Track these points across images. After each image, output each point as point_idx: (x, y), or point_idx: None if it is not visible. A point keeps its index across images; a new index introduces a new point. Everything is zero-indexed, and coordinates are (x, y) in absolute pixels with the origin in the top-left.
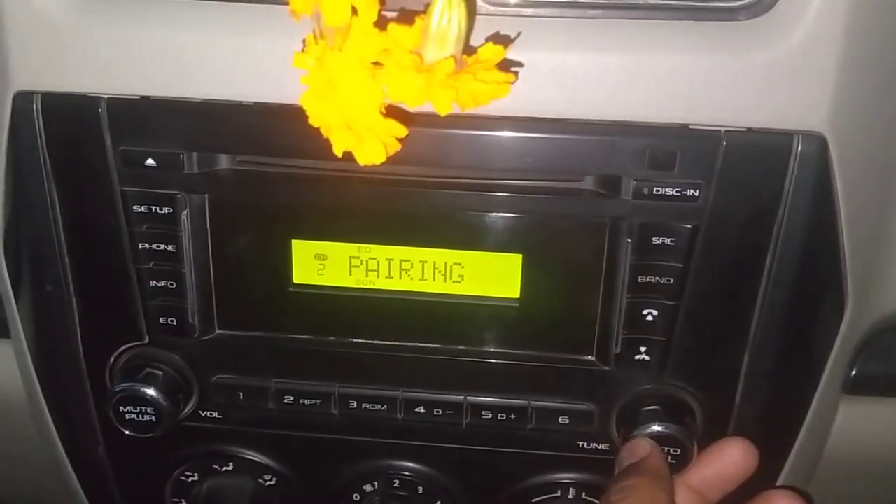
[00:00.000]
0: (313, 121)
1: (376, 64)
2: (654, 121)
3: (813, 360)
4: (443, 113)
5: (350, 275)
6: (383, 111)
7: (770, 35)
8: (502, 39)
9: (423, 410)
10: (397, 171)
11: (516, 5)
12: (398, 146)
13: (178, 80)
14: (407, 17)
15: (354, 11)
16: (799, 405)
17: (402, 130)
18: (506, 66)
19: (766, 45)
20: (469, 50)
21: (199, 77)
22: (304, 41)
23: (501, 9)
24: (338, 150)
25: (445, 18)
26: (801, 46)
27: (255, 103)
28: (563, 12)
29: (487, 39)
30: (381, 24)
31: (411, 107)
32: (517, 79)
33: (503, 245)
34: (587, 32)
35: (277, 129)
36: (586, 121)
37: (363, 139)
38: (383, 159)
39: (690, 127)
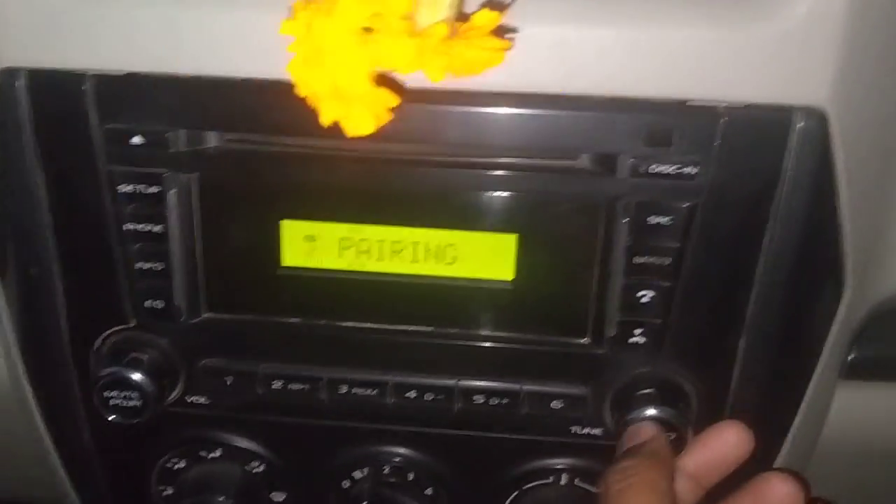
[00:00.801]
0: (301, 89)
1: (367, 30)
2: (652, 96)
3: (810, 343)
4: (435, 80)
5: (340, 257)
6: (374, 80)
7: (771, 7)
8: (497, 6)
9: (413, 395)
10: (389, 150)
11: None
12: (389, 117)
13: (166, 56)
14: None
15: None
16: (796, 389)
17: (394, 100)
18: (501, 33)
19: (767, 17)
20: (463, 17)
21: (186, 53)
22: (291, 7)
23: None
24: (325, 120)
25: None
26: (803, 20)
27: (244, 79)
28: None
29: (482, 6)
30: None
31: (403, 73)
32: (513, 46)
33: (497, 225)
34: (584, 5)
35: (267, 105)
36: (582, 96)
37: (352, 109)
38: (372, 130)
39: (688, 103)
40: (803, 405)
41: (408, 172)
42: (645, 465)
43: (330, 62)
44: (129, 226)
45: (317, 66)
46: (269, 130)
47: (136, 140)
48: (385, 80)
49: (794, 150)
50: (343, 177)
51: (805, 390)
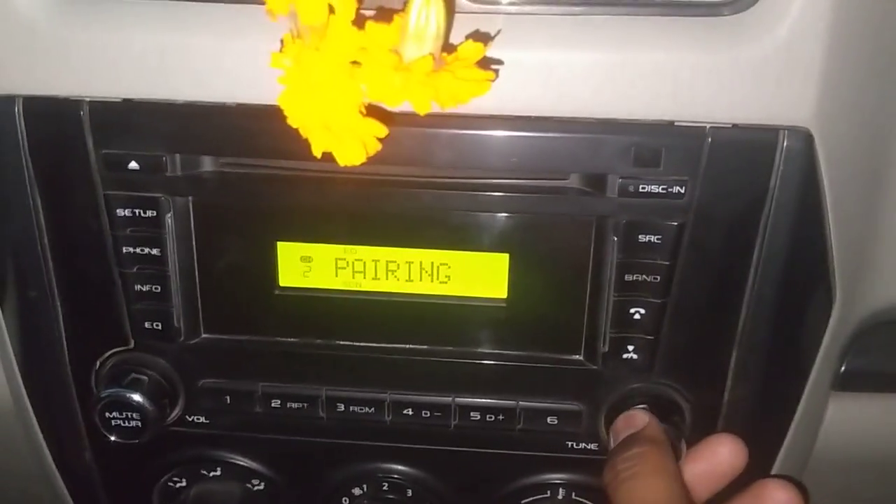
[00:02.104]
0: (292, 121)
1: (354, 63)
2: (639, 118)
3: (802, 356)
4: (422, 112)
5: (336, 276)
6: (363, 111)
7: (754, 30)
8: (483, 37)
9: (411, 412)
10: (382, 172)
11: (499, 3)
12: (378, 146)
13: (160, 83)
14: (385, 14)
15: (332, 10)
16: (788, 402)
17: (383, 130)
18: (486, 63)
19: (751, 40)
20: (449, 48)
21: (180, 79)
22: (281, 40)
23: (484, 6)
24: (317, 151)
25: (423, 16)
26: (785, 41)
27: (237, 104)
28: (546, 9)
29: (468, 37)
30: (359, 22)
31: (390, 106)
32: (498, 76)
33: (490, 245)
34: (571, 29)
35: (260, 130)
36: (571, 118)
37: (342, 139)
38: (363, 160)
39: (675, 124)
40: (796, 417)
41: (401, 194)
42: (650, 449)
43: (319, 95)
44: (127, 249)
45: (307, 98)
46: (264, 154)
47: (133, 165)
48: (375, 110)
49: (780, 169)
50: (337, 199)
51: (797, 402)
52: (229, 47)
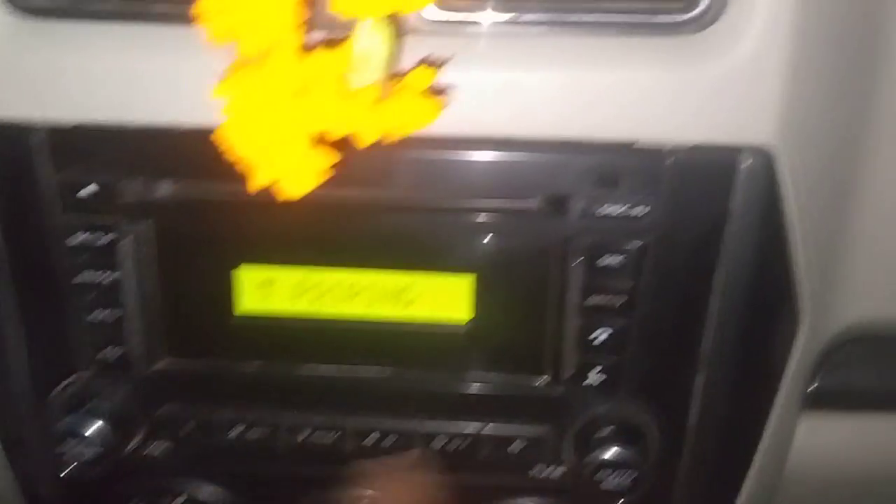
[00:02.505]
0: (235, 152)
1: (300, 92)
2: (600, 138)
3: (769, 375)
4: (367, 142)
5: (297, 301)
6: (312, 138)
7: (714, 49)
8: (435, 61)
9: (374, 439)
10: (343, 194)
11: (456, 23)
12: (328, 174)
13: (116, 106)
14: (331, 42)
15: (275, 38)
16: (757, 422)
17: (332, 158)
18: (437, 88)
19: (711, 59)
20: (398, 75)
21: (137, 102)
22: (224, 70)
23: (443, 28)
24: (261, 182)
25: (370, 43)
26: (746, 60)
27: (195, 127)
28: (505, 30)
29: (423, 60)
30: (304, 49)
31: (337, 136)
32: (454, 99)
33: (453, 267)
34: (531, 50)
35: (219, 153)
36: (532, 140)
37: (288, 170)
38: (311, 189)
39: (636, 144)
40: (765, 437)
41: (363, 217)
42: None
43: (263, 125)
44: (85, 275)
45: (251, 129)
46: (222, 178)
47: (89, 190)
48: (324, 139)
49: (742, 189)
50: (297, 222)
51: (766, 423)
52: (186, 69)
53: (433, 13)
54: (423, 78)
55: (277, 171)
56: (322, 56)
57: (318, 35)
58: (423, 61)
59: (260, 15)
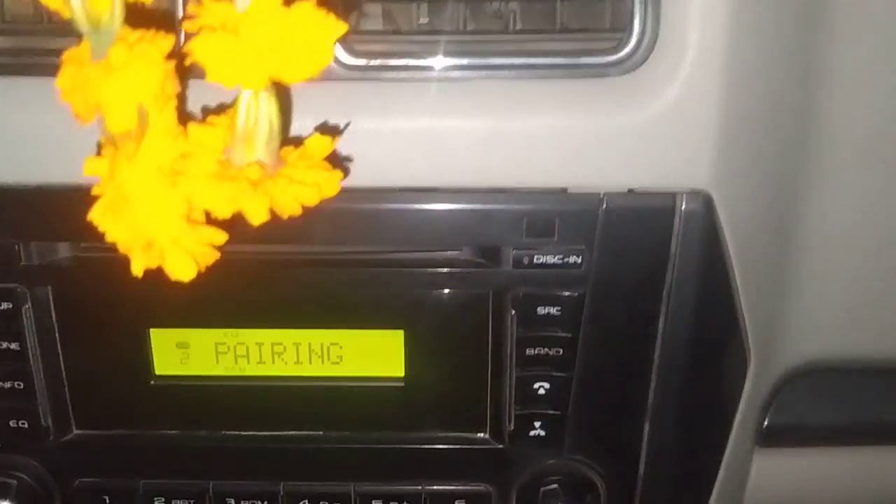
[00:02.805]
0: (109, 237)
1: (177, 171)
2: (531, 186)
3: (719, 418)
4: (257, 222)
5: (217, 362)
6: (196, 217)
7: (644, 91)
8: (332, 130)
9: (307, 503)
10: (262, 250)
11: (374, 69)
12: (214, 256)
13: (8, 166)
14: (213, 112)
15: (145, 114)
16: (709, 466)
17: (219, 237)
18: (336, 157)
19: (641, 102)
20: (296, 143)
21: (31, 161)
22: (98, 144)
23: (361, 74)
24: (137, 270)
25: (253, 116)
26: (677, 102)
27: (92, 186)
28: (426, 75)
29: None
30: (180, 125)
31: (221, 217)
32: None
33: (382, 321)
34: (453, 95)
35: None
36: (459, 189)
37: (168, 254)
38: (194, 274)
39: (569, 191)
40: (719, 478)
41: (283, 273)
42: None
43: (137, 209)
44: None
45: (124, 212)
46: None
47: None
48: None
49: (681, 233)
50: (212, 281)
51: (719, 464)
52: (78, 125)
53: (347, 59)
54: (322, 147)
55: (158, 256)
56: (200, 132)
57: (194, 108)
58: (326, 118)
59: (125, 91)
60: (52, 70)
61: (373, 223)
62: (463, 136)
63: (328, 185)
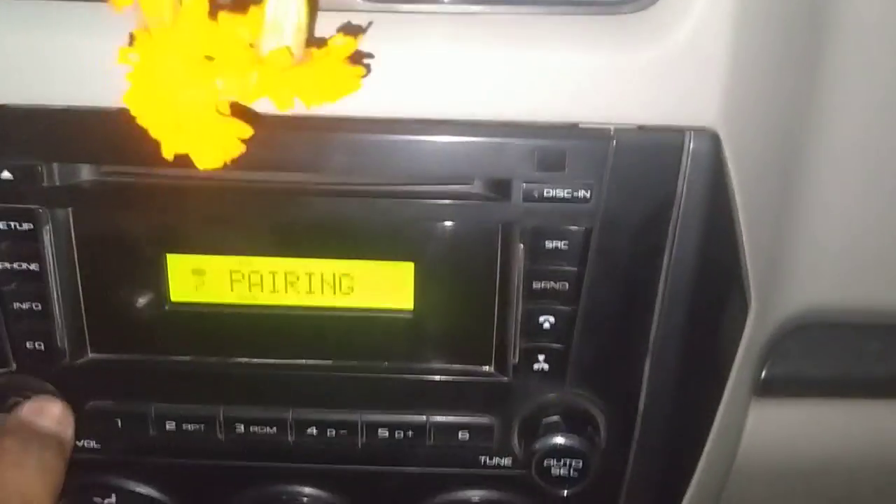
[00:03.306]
0: (141, 121)
1: (208, 58)
2: (542, 120)
3: (718, 362)
4: (282, 109)
5: (231, 290)
6: (224, 110)
7: (657, 29)
8: (354, 30)
9: (315, 431)
10: (277, 179)
11: (392, 0)
12: (240, 148)
13: (35, 87)
14: (241, 5)
15: (178, 1)
16: (706, 410)
17: (245, 131)
18: (359, 58)
19: (653, 39)
20: (319, 42)
21: (56, 82)
22: (130, 34)
23: (378, 4)
24: (168, 153)
25: (282, 6)
26: (688, 40)
27: (118, 109)
28: (442, 7)
29: (348, 32)
30: (213, 13)
31: (248, 103)
32: (368, 72)
33: (393, 253)
34: (469, 28)
35: (144, 136)
36: (471, 121)
37: (198, 141)
38: (221, 163)
39: (580, 126)
40: (715, 424)
41: (298, 202)
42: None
43: (171, 92)
44: (3, 264)
45: (157, 96)
46: (148, 161)
47: (6, 175)
48: (239, 110)
49: (687, 171)
50: (228, 208)
51: (716, 410)
52: (107, 47)
53: None
54: (344, 47)
55: (186, 143)
56: (231, 20)
57: None
58: (347, 32)
59: None
60: None
61: (386, 154)
62: (476, 69)
63: (351, 80)
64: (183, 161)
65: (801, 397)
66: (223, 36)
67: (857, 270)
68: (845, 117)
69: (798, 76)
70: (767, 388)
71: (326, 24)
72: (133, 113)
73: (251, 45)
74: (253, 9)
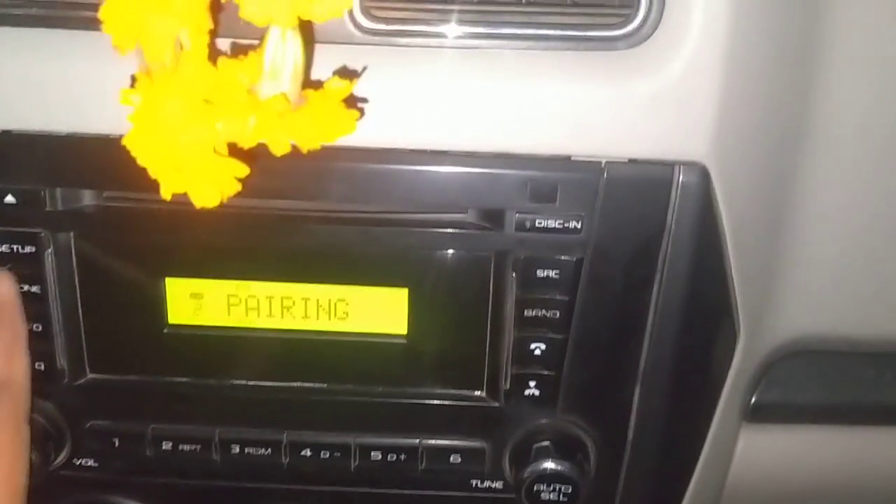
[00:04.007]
0: (141, 161)
1: (208, 102)
2: (536, 152)
3: (708, 390)
4: (278, 153)
5: (229, 314)
6: (222, 150)
7: (649, 65)
8: (350, 74)
9: (309, 453)
10: (275, 206)
11: (390, 34)
12: (236, 187)
13: (39, 114)
14: (241, 50)
15: (182, 46)
16: (696, 436)
17: (242, 170)
18: (360, 99)
19: (646, 74)
20: (316, 85)
21: (60, 109)
22: (132, 77)
23: (375, 38)
24: (166, 194)
25: (280, 52)
26: (680, 76)
27: (120, 135)
28: (440, 42)
29: (345, 70)
30: (213, 58)
31: (246, 147)
32: (366, 104)
33: (388, 279)
34: (465, 62)
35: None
36: (466, 152)
37: (196, 181)
38: (217, 202)
39: (572, 158)
40: (705, 450)
41: (295, 228)
42: None
43: (170, 134)
44: None
45: (157, 138)
46: (148, 188)
47: (9, 199)
48: (235, 149)
49: (677, 204)
50: (226, 234)
51: (706, 435)
52: (110, 75)
53: (366, 23)
54: (340, 88)
55: (185, 182)
56: (230, 64)
57: (227, 43)
58: (344, 71)
59: (166, 22)
60: (85, 22)
61: (382, 183)
62: (472, 101)
63: (346, 123)
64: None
65: (791, 423)
66: (223, 80)
67: (847, 300)
68: (835, 152)
69: (789, 112)
70: (757, 414)
71: (324, 57)
72: (133, 154)
73: (250, 90)
74: (252, 54)
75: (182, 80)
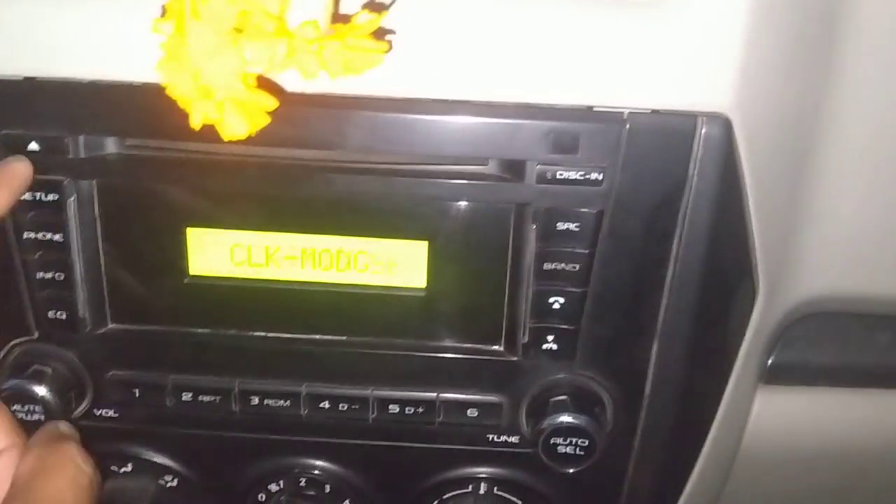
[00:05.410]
0: (170, 91)
1: (237, 30)
2: (557, 103)
3: (725, 348)
4: (308, 79)
5: (250, 264)
6: (251, 81)
7: (672, 13)
8: (379, 7)
9: (327, 405)
10: (297, 156)
11: None
12: (266, 120)
13: (64, 61)
14: None
15: None
16: (712, 394)
17: (271, 103)
18: (382, 35)
19: (668, 23)
20: (344, 18)
21: (85, 57)
22: (163, 6)
23: None
24: (195, 123)
25: None
26: (703, 26)
27: (143, 83)
28: None
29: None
30: None
31: (275, 74)
32: (391, 48)
33: (408, 232)
34: (486, 11)
35: (168, 110)
36: (488, 103)
37: (225, 112)
38: (246, 134)
39: (594, 109)
40: (721, 410)
41: (316, 179)
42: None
43: (199, 62)
44: (29, 234)
45: (186, 66)
46: (171, 135)
47: (33, 146)
48: (266, 83)
49: (699, 156)
50: (250, 183)
51: (722, 394)
52: (135, 23)
53: None
54: (370, 21)
55: (215, 111)
56: None
57: None
58: (373, 5)
59: None
60: None
61: (403, 133)
62: (493, 50)
63: (375, 55)
64: (205, 136)
65: (808, 385)
66: (253, 7)
67: (868, 259)
68: (858, 104)
69: (811, 63)
70: (774, 375)
71: (351, 2)
72: (163, 82)
73: (280, 18)
74: None
75: (212, 8)
